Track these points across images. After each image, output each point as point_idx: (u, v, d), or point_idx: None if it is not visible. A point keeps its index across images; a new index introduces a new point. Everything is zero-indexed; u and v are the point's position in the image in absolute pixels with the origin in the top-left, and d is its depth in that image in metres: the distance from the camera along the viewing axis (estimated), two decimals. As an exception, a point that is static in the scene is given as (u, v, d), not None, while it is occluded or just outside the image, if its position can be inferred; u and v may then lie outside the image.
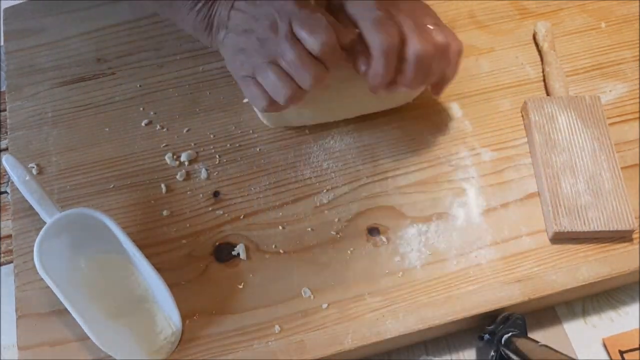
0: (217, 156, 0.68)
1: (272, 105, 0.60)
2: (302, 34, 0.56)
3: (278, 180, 0.67)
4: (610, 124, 0.67)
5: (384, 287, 0.61)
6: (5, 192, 0.72)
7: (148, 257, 0.60)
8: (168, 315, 0.60)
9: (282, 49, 0.57)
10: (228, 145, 0.69)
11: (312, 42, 0.56)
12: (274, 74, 0.58)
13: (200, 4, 0.61)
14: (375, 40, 0.57)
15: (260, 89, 0.59)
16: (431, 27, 0.60)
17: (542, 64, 0.72)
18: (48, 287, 0.58)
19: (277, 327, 0.60)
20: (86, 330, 0.56)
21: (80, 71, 0.74)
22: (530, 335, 0.60)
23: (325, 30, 0.56)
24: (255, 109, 0.68)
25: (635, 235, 0.63)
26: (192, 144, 0.69)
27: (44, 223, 0.61)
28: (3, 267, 0.69)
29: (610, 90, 0.71)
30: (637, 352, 0.62)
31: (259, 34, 0.58)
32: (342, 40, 0.57)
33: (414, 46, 0.58)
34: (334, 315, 0.60)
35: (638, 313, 0.64)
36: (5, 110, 0.72)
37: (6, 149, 0.71)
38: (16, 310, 0.61)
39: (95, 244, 0.62)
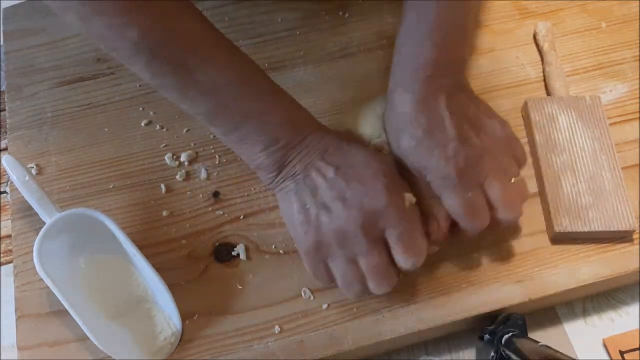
0: (217, 156, 0.68)
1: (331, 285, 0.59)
2: (397, 248, 0.55)
3: (278, 181, 0.67)
4: (611, 124, 0.67)
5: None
6: (5, 192, 0.72)
7: (148, 257, 0.60)
8: (168, 315, 0.60)
9: (366, 250, 0.54)
10: (228, 145, 0.69)
11: (405, 263, 0.55)
12: (350, 273, 0.55)
13: (274, 148, 0.56)
14: (470, 228, 0.57)
15: (329, 274, 0.57)
16: (513, 181, 0.58)
17: (543, 64, 0.72)
18: (47, 287, 0.58)
19: (277, 328, 0.60)
20: (85, 330, 0.56)
21: (79, 71, 0.74)
22: (530, 335, 0.60)
23: (421, 253, 0.56)
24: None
25: (635, 236, 0.63)
26: (192, 144, 0.69)
27: (44, 223, 0.60)
28: (3, 267, 0.69)
29: (610, 90, 0.71)
30: (638, 352, 0.62)
31: (339, 222, 0.54)
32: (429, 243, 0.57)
33: (504, 216, 0.57)
34: (334, 315, 0.60)
35: (638, 313, 0.64)
36: (5, 110, 0.72)
37: (6, 149, 0.71)
38: (16, 311, 0.61)
39: (95, 244, 0.62)
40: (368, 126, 0.63)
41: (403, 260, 0.55)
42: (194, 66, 0.53)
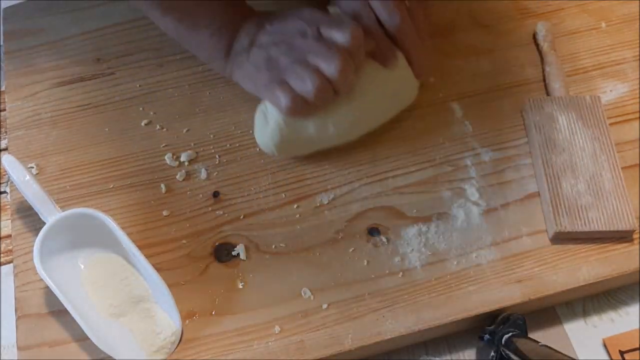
0: (217, 156, 0.68)
1: (296, 106, 0.60)
2: (331, 33, 0.59)
3: (278, 180, 0.67)
4: (611, 124, 0.67)
5: (384, 287, 0.61)
6: (5, 192, 0.72)
7: (148, 257, 0.60)
8: (168, 315, 0.60)
9: (310, 46, 0.59)
10: (228, 145, 0.69)
11: (341, 36, 0.58)
12: (302, 69, 0.59)
13: (222, 31, 0.63)
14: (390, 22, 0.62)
15: (286, 88, 0.60)
16: None
17: (543, 64, 0.72)
18: (47, 287, 0.58)
19: (277, 328, 0.60)
20: (86, 330, 0.56)
21: (79, 71, 0.74)
22: (530, 335, 0.60)
23: (354, 27, 0.59)
24: (261, 145, 0.66)
25: (635, 236, 0.63)
26: (192, 144, 0.69)
27: (44, 223, 0.60)
28: (3, 267, 0.69)
29: (610, 90, 0.71)
30: (638, 352, 0.62)
31: (287, 41, 0.60)
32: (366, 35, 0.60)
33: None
34: (334, 315, 0.60)
35: (638, 313, 0.64)
36: (5, 110, 0.72)
37: (6, 149, 0.71)
38: (16, 311, 0.61)
39: (95, 244, 0.62)
40: None
41: (340, 37, 0.58)
42: None
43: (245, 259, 0.63)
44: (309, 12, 0.62)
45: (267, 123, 0.63)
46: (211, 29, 0.63)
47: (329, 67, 0.58)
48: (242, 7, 0.66)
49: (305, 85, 0.59)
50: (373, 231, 0.64)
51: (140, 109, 0.71)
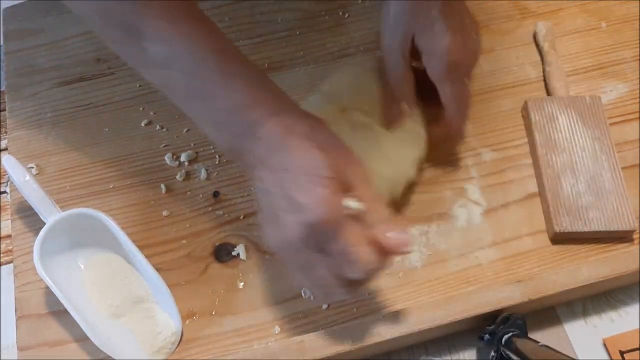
0: (217, 156, 0.68)
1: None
2: (341, 262, 0.50)
3: (278, 181, 0.67)
4: (611, 124, 0.67)
5: (384, 287, 0.61)
6: (5, 192, 0.72)
7: (148, 257, 0.60)
8: (168, 315, 0.60)
9: (312, 263, 0.51)
10: (228, 145, 0.69)
11: (353, 274, 0.50)
12: (310, 281, 0.53)
13: (225, 135, 0.53)
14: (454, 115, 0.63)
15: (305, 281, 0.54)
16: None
17: (543, 64, 0.72)
18: (47, 287, 0.58)
19: (277, 328, 0.60)
20: (86, 330, 0.56)
21: (79, 71, 0.74)
22: (530, 335, 0.60)
23: (366, 261, 0.50)
24: None
25: (635, 236, 0.63)
26: (192, 144, 0.69)
27: (44, 223, 0.60)
28: (3, 267, 0.69)
29: (610, 90, 0.71)
30: (638, 352, 0.62)
31: (284, 234, 0.50)
32: None
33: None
34: (334, 315, 0.60)
35: (638, 313, 0.64)
36: (5, 110, 0.72)
37: (6, 149, 0.71)
38: (16, 311, 0.61)
39: (95, 244, 0.62)
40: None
41: (350, 273, 0.50)
42: (142, 33, 0.50)
43: (245, 259, 0.63)
44: (321, 213, 0.48)
45: None
46: (215, 128, 0.53)
47: (324, 300, 0.58)
48: (254, 112, 0.51)
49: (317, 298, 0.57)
50: (373, 231, 0.64)
51: (140, 109, 0.71)
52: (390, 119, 0.63)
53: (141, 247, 0.60)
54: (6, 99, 0.72)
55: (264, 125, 0.51)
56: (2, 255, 0.69)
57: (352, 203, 0.50)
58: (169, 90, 0.53)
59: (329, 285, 0.51)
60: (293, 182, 0.49)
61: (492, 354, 0.59)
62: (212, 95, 0.51)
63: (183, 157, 0.68)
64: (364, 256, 0.50)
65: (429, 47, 0.61)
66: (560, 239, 0.63)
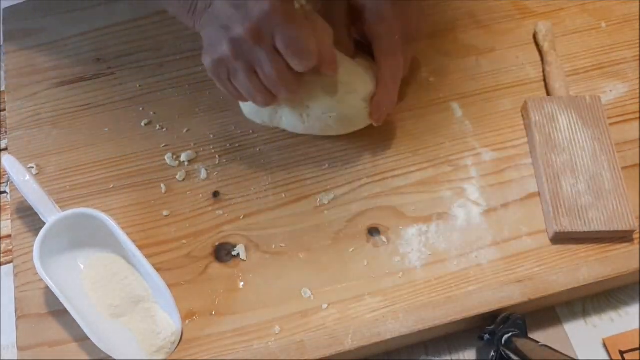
0: (217, 156, 0.68)
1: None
2: (287, 52, 0.56)
3: (278, 180, 0.67)
4: (611, 124, 0.67)
5: (384, 287, 0.61)
6: (5, 192, 0.72)
7: (148, 257, 0.60)
8: (168, 315, 0.60)
9: (261, 59, 0.56)
10: (228, 145, 0.69)
11: (296, 64, 0.57)
12: (250, 83, 0.58)
13: None
14: (388, 72, 0.63)
15: (235, 90, 0.60)
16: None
17: (543, 64, 0.72)
18: (47, 287, 0.58)
19: (277, 328, 0.60)
20: (86, 330, 0.56)
21: (79, 71, 0.74)
22: (530, 335, 0.60)
23: (310, 54, 0.57)
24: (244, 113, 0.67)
25: (635, 236, 0.63)
26: (192, 144, 0.69)
27: (44, 223, 0.60)
28: (3, 267, 0.69)
29: (610, 90, 0.71)
30: (638, 352, 0.62)
31: (236, 33, 0.56)
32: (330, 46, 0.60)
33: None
34: (334, 315, 0.60)
35: (638, 313, 0.64)
36: (5, 110, 0.72)
37: (6, 149, 0.71)
38: (16, 311, 0.61)
39: (95, 244, 0.62)
40: None
41: (295, 64, 0.56)
42: None
43: (245, 259, 0.63)
44: (270, 3, 0.55)
45: None
46: None
47: (278, 92, 0.58)
48: None
49: (253, 99, 0.59)
50: (373, 231, 0.64)
51: (140, 109, 0.71)
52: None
53: (141, 247, 0.61)
54: (6, 99, 0.72)
55: None
56: (2, 255, 0.69)
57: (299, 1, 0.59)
58: None
59: (275, 82, 0.57)
60: None
61: (492, 354, 0.59)
62: None
63: (183, 157, 0.68)
64: (310, 48, 0.57)
65: (365, 7, 0.63)
66: (560, 238, 0.63)
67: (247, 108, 0.66)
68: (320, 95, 0.62)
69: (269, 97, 0.59)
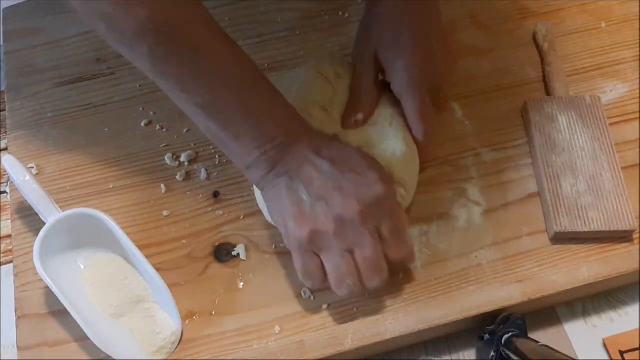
0: (217, 156, 0.68)
1: (321, 286, 0.58)
2: (391, 240, 0.56)
3: (278, 181, 0.67)
4: (611, 124, 0.67)
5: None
6: (5, 192, 0.72)
7: (148, 257, 0.60)
8: (168, 315, 0.60)
9: (364, 242, 0.55)
10: (228, 145, 0.68)
11: (396, 253, 0.56)
12: (345, 265, 0.55)
13: (269, 146, 0.56)
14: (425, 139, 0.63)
15: (320, 269, 0.56)
16: None
17: (543, 64, 0.72)
18: (47, 287, 0.58)
19: (277, 328, 0.60)
20: (86, 330, 0.56)
21: (79, 71, 0.74)
22: (530, 335, 0.60)
23: (410, 248, 0.58)
24: (265, 212, 0.63)
25: (635, 236, 0.63)
26: (192, 144, 0.69)
27: (44, 223, 0.60)
28: (3, 267, 0.69)
29: (610, 90, 0.71)
30: (638, 352, 0.62)
31: (345, 211, 0.54)
32: None
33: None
34: (334, 315, 0.60)
35: (638, 313, 0.64)
36: (5, 110, 0.72)
37: (6, 149, 0.71)
38: (16, 311, 0.61)
39: (95, 244, 0.62)
40: (317, 92, 0.64)
41: (393, 255, 0.56)
42: (199, 55, 0.52)
43: (245, 259, 0.63)
44: (383, 190, 0.55)
45: None
46: (258, 143, 0.56)
47: (371, 281, 0.56)
48: (297, 126, 0.58)
49: (340, 285, 0.56)
50: (373, 231, 0.64)
51: (140, 109, 0.71)
52: (346, 127, 0.64)
53: (141, 247, 0.60)
54: (6, 99, 0.72)
55: (305, 134, 0.57)
56: (2, 255, 0.69)
57: (400, 189, 0.60)
58: (216, 108, 0.55)
59: (372, 268, 0.55)
60: (351, 166, 0.56)
61: (492, 354, 0.59)
62: (266, 110, 0.56)
63: (183, 157, 0.68)
64: (410, 241, 0.58)
65: (390, 63, 0.63)
66: (560, 239, 0.63)
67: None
68: None
69: (357, 283, 0.56)
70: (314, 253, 0.56)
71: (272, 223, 0.62)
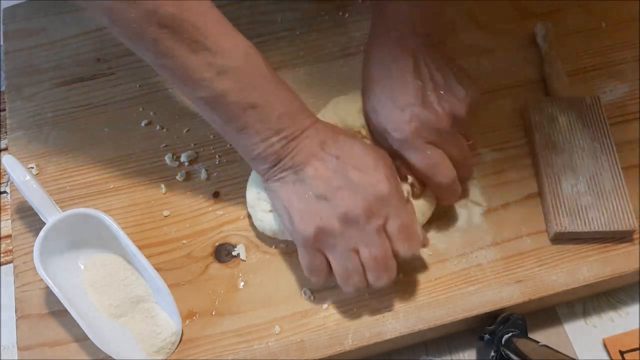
0: (217, 156, 0.68)
1: (326, 282, 0.58)
2: (398, 236, 0.55)
3: (278, 181, 0.67)
4: (611, 124, 0.67)
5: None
6: (5, 192, 0.72)
7: (148, 257, 0.60)
8: (168, 315, 0.60)
9: (369, 240, 0.55)
10: (228, 145, 0.69)
11: (405, 249, 0.56)
12: (351, 263, 0.55)
13: (275, 139, 0.55)
14: (437, 180, 0.60)
15: (325, 266, 0.57)
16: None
17: (543, 64, 0.72)
18: (47, 287, 0.58)
19: (277, 328, 0.60)
20: (86, 330, 0.56)
21: (79, 71, 0.74)
22: (530, 335, 0.60)
23: (419, 243, 0.57)
24: (255, 217, 0.62)
25: (635, 236, 0.63)
26: (192, 145, 0.69)
27: (44, 223, 0.60)
28: (3, 267, 0.69)
29: (610, 90, 0.71)
30: (638, 352, 0.62)
31: (350, 210, 0.54)
32: None
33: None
34: (334, 315, 0.60)
35: (638, 313, 0.64)
36: (5, 110, 0.72)
37: (6, 149, 0.71)
38: (16, 311, 0.61)
39: (95, 244, 0.62)
40: (349, 118, 0.63)
41: (403, 250, 0.56)
42: (204, 47, 0.52)
43: (245, 259, 0.63)
44: (389, 188, 0.55)
45: (264, 209, 0.61)
46: (263, 136, 0.55)
47: (378, 280, 0.56)
48: (304, 119, 0.57)
49: (346, 282, 0.56)
50: (373, 231, 0.64)
51: (140, 109, 0.71)
52: None
53: (141, 247, 0.60)
54: (6, 99, 0.72)
55: (311, 127, 0.56)
56: (2, 255, 0.69)
57: (406, 186, 0.59)
58: (221, 100, 0.54)
59: (379, 267, 0.55)
60: (356, 164, 0.55)
61: (492, 354, 0.59)
62: (271, 101, 0.55)
63: (183, 157, 0.68)
64: (419, 234, 0.57)
65: (416, 163, 0.60)
66: (560, 239, 0.63)
67: (266, 222, 0.61)
68: None
69: (364, 281, 0.56)
70: (320, 250, 0.56)
71: (261, 230, 0.62)
